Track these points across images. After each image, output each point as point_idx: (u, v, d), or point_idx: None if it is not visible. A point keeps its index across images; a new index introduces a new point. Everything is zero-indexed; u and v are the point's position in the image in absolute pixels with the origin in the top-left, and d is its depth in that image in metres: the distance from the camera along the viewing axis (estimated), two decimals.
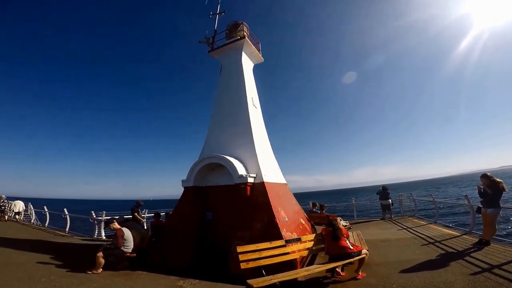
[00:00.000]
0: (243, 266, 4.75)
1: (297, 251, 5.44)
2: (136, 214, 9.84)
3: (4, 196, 17.76)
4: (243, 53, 8.75)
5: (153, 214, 9.88)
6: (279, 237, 5.84)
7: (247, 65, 8.96)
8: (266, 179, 7.07)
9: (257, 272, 4.81)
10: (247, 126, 7.68)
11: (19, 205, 16.88)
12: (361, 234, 7.57)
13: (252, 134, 7.54)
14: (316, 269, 5.12)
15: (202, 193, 7.66)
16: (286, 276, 4.69)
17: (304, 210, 9.45)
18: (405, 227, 10.21)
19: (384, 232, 9.78)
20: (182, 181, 7.74)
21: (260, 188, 6.91)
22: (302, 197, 9.81)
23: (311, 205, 11.74)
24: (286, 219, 6.71)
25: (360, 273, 5.32)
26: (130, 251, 6.55)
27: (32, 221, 16.59)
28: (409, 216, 13.02)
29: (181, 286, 5.40)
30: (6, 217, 16.40)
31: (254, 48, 9.27)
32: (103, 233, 11.33)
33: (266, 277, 4.61)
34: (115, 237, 6.49)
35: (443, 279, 4.77)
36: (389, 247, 7.50)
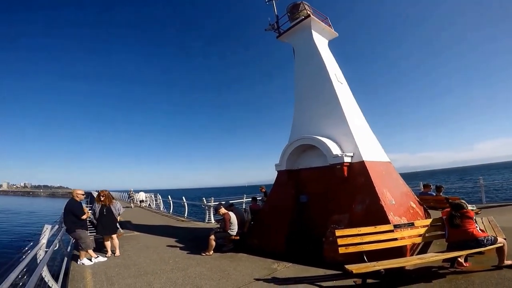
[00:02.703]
0: (341, 250, 4.48)
1: (407, 237, 4.78)
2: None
3: (132, 189, 25.05)
4: (312, 31, 8.27)
5: (251, 199, 10.51)
6: (385, 221, 5.22)
7: (321, 42, 8.45)
8: (366, 157, 6.40)
9: (355, 258, 4.49)
10: (336, 103, 7.14)
11: (142, 195, 23.54)
12: (494, 221, 6.09)
13: (342, 111, 6.96)
14: (432, 257, 4.39)
15: (295, 176, 7.59)
16: (393, 264, 4.20)
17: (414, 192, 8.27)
18: None
19: None
20: (276, 165, 7.87)
21: (359, 167, 6.31)
22: (406, 177, 8.58)
23: (422, 186, 10.21)
24: (393, 202, 5.95)
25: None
26: (235, 234, 7.10)
27: (161, 208, 20.34)
28: None
29: (275, 268, 5.55)
30: (133, 204, 22.58)
31: (324, 24, 8.69)
32: (212, 218, 12.75)
33: (369, 263, 4.24)
34: (223, 221, 7.16)
35: None
36: None
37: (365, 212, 5.75)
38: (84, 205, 7.05)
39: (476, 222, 4.65)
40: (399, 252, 4.78)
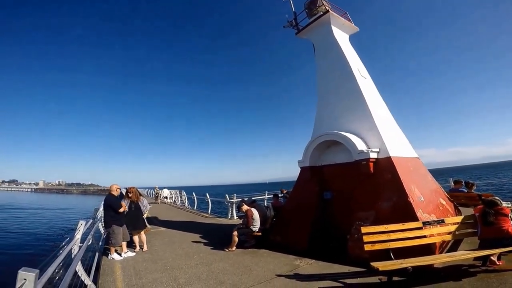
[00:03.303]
0: (367, 247, 4.42)
1: (436, 234, 4.65)
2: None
3: (157, 186, 26.86)
4: (332, 26, 8.14)
5: (272, 196, 10.56)
6: (414, 218, 5.08)
7: (341, 37, 8.29)
8: (393, 153, 6.21)
9: (380, 255, 4.42)
10: (360, 99, 6.97)
11: (166, 192, 25.21)
12: None
13: (367, 106, 6.79)
14: (463, 255, 4.26)
15: (319, 172, 7.51)
16: (421, 261, 4.13)
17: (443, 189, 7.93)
18: None
19: None
20: (298, 161, 7.85)
21: (386, 163, 6.14)
22: (434, 174, 8.12)
23: (452, 182, 9.74)
24: (422, 199, 5.75)
25: None
26: (257, 230, 7.15)
27: (185, 205, 20.89)
28: None
29: (298, 265, 5.56)
30: (159, 200, 23.93)
31: (343, 19, 8.53)
32: (235, 214, 12.92)
33: (396, 261, 4.18)
34: (246, 217, 7.23)
35: None
36: None
37: (392, 209, 5.60)
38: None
39: (511, 219, 4.42)
40: (427, 249, 4.68)
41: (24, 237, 17.37)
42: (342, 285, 4.44)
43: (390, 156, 6.11)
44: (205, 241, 8.06)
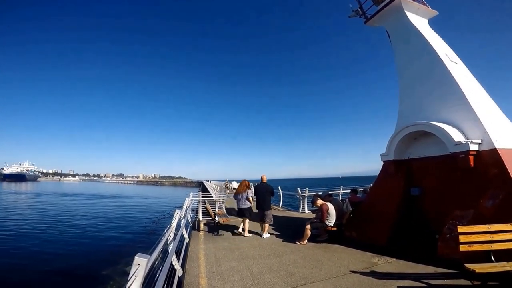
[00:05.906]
0: (463, 248, 3.97)
1: None
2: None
3: (227, 180, 30.87)
4: (406, 12, 7.44)
5: (349, 190, 10.07)
6: None
7: (419, 22, 7.50)
8: (499, 144, 5.30)
9: (475, 257, 4.05)
10: (453, 85, 6.14)
11: (235, 184, 27.19)
12: None
13: (462, 93, 5.93)
14: None
15: (405, 167, 6.92)
16: None
17: None
18: None
19: None
20: (381, 155, 7.37)
21: (490, 156, 5.29)
22: None
23: None
24: None
25: None
26: (332, 224, 6.93)
27: None
28: None
29: (376, 263, 5.25)
30: (228, 191, 25.76)
31: (417, 3, 7.67)
32: (306, 208, 12.78)
33: (496, 264, 3.78)
34: (320, 211, 7.06)
35: None
36: None
37: (498, 208, 4.85)
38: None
39: None
40: None
41: (132, 221, 20.83)
42: (426, 285, 4.08)
43: (495, 148, 5.26)
44: (277, 233, 8.20)
